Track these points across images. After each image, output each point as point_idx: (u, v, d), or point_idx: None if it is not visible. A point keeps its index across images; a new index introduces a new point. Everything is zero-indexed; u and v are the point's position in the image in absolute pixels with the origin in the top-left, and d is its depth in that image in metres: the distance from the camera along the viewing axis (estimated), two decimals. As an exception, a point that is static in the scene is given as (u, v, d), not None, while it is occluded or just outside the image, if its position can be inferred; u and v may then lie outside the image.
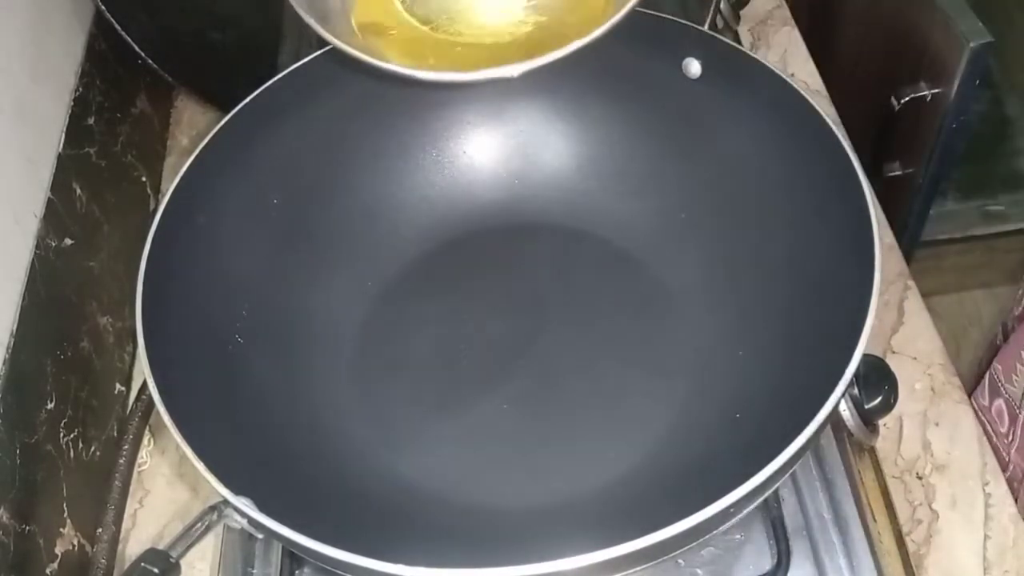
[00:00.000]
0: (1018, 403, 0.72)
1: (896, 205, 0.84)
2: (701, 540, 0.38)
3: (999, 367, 0.75)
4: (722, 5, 0.63)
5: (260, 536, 0.40)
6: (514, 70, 0.42)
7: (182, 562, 0.38)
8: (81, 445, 0.53)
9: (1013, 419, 0.72)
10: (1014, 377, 0.73)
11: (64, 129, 0.59)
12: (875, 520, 0.51)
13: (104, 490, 0.54)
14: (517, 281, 0.58)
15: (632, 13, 0.43)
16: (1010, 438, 0.72)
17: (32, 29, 0.58)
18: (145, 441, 0.57)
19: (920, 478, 0.53)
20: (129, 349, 0.62)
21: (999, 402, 0.74)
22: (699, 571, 0.49)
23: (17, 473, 0.46)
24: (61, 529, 0.50)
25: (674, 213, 0.57)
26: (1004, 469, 0.60)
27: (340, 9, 0.46)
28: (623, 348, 0.55)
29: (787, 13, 0.81)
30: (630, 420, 0.52)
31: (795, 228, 0.51)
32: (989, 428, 0.74)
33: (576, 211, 0.60)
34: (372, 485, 0.48)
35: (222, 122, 0.52)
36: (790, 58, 0.77)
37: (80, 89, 0.62)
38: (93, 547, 0.52)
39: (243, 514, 0.38)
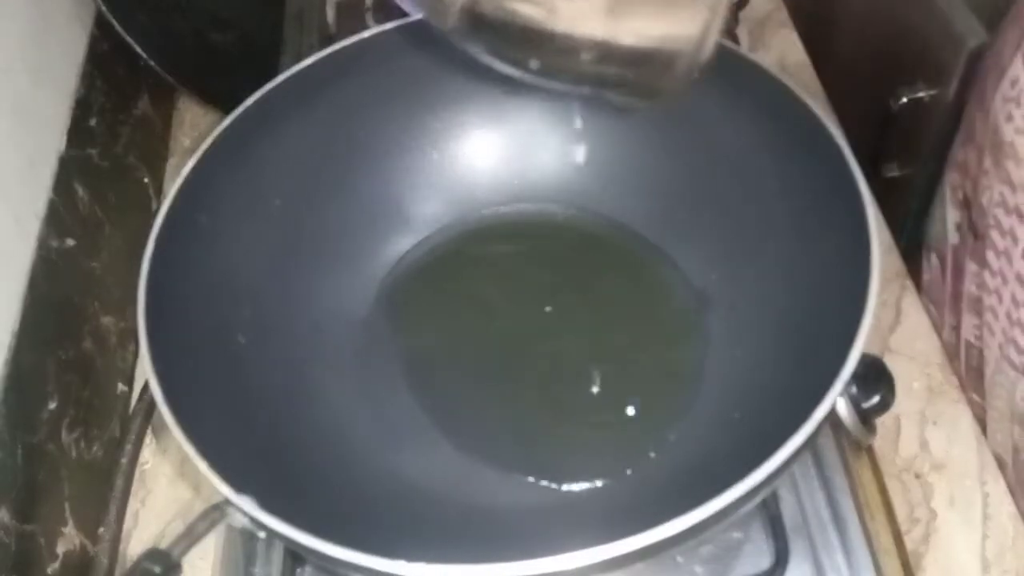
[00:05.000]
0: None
1: (894, 206, 0.84)
2: (700, 539, 0.38)
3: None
4: (721, 6, 0.63)
5: (262, 535, 0.40)
6: None
7: (184, 561, 0.39)
8: (83, 445, 0.53)
9: (942, 261, 0.60)
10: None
11: (66, 130, 0.59)
12: (873, 519, 0.51)
13: (106, 490, 0.54)
14: (517, 282, 0.58)
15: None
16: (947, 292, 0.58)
17: (33, 30, 0.58)
18: (147, 441, 0.57)
19: (918, 477, 0.54)
20: (131, 349, 0.62)
21: (932, 257, 0.62)
22: (698, 569, 0.49)
23: (19, 473, 0.47)
24: (63, 529, 0.50)
25: (673, 213, 0.58)
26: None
27: None
28: (622, 348, 0.55)
29: (785, 15, 0.81)
30: (629, 419, 0.52)
31: (793, 229, 0.51)
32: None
33: (576, 211, 0.61)
34: (373, 484, 0.49)
35: (224, 123, 0.53)
36: (788, 59, 0.77)
37: (82, 90, 0.62)
38: (95, 547, 0.52)
39: (245, 513, 0.38)
